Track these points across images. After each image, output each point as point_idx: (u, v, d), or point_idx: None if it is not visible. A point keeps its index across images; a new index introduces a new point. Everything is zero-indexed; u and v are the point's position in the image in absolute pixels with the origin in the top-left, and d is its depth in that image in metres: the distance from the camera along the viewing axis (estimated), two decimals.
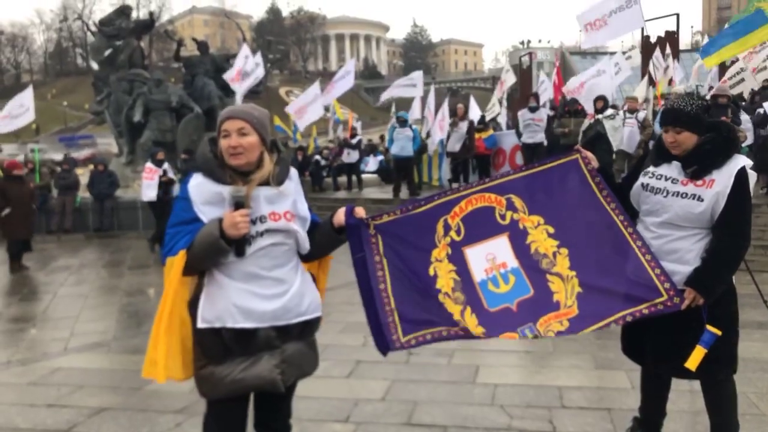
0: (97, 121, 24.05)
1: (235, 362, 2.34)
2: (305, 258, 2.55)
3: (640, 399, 3.30)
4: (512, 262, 2.84)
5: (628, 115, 11.32)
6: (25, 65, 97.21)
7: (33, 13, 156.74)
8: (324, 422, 3.88)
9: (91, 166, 16.86)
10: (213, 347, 2.34)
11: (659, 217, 2.87)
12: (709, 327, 2.74)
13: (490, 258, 2.84)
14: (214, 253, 2.28)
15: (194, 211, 2.34)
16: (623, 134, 11.07)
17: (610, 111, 11.06)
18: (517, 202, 2.93)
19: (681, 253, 2.82)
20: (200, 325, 2.34)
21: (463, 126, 13.23)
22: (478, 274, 2.81)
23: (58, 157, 30.97)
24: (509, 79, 19.01)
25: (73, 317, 6.96)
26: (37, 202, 10.82)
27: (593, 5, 11.92)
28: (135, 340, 5.90)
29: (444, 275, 2.77)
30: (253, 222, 2.32)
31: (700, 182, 2.79)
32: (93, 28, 20.66)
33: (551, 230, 2.90)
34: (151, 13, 24.71)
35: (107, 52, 18.64)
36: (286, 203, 2.43)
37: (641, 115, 11.44)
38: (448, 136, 13.64)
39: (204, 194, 2.35)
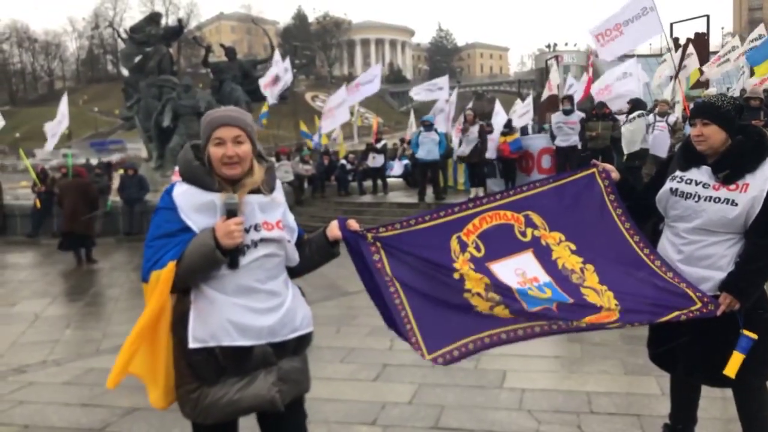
0: (127, 127, 24.45)
1: (230, 383, 2.20)
2: (293, 273, 2.46)
3: (670, 406, 3.26)
4: (544, 277, 2.73)
5: (658, 118, 11.18)
6: (58, 72, 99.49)
7: (66, 21, 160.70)
8: (351, 425, 3.90)
9: (122, 171, 17.17)
10: (206, 368, 2.19)
11: (691, 222, 2.82)
12: (745, 332, 2.69)
13: (520, 273, 2.71)
14: (208, 264, 2.14)
15: (182, 220, 2.19)
16: (649, 137, 10.93)
17: (633, 114, 10.96)
18: (536, 218, 2.85)
19: (714, 259, 2.77)
20: (192, 345, 2.17)
21: (474, 130, 13.21)
22: (512, 285, 2.64)
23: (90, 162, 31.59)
24: (555, 78, 18.96)
25: (105, 319, 7.10)
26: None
27: (605, 18, 11.81)
28: None
29: (473, 279, 2.58)
30: (247, 231, 2.21)
31: (732, 186, 2.74)
32: (123, 35, 21.10)
33: (573, 247, 2.83)
34: (179, 20, 25.13)
35: (137, 59, 19.01)
36: (278, 212, 2.33)
37: (672, 118, 11.29)
38: (460, 142, 13.65)
39: (192, 203, 2.21)
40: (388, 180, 17.21)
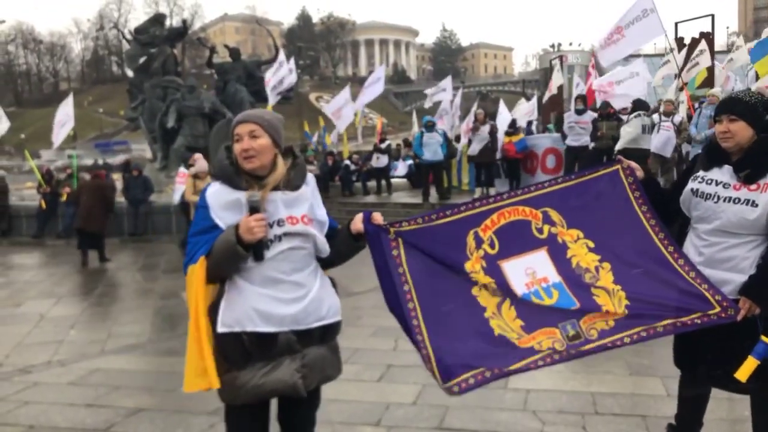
0: (132, 128, 24.49)
1: (256, 367, 2.35)
2: (325, 264, 2.57)
3: (676, 407, 3.22)
4: (554, 277, 2.71)
5: (663, 118, 11.16)
6: (63, 73, 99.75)
7: (71, 22, 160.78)
8: (355, 425, 3.90)
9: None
10: (234, 352, 2.35)
11: (711, 224, 2.74)
12: (763, 337, 2.61)
13: (530, 272, 2.69)
14: (232, 258, 2.29)
15: (212, 218, 2.36)
16: (654, 137, 10.90)
17: (632, 115, 10.96)
18: (554, 215, 2.81)
19: (735, 261, 2.69)
20: (220, 329, 2.34)
21: (485, 130, 13.21)
22: (518, 288, 2.66)
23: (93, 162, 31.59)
24: (557, 79, 18.90)
25: (110, 319, 7.12)
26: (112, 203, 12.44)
27: (611, 25, 11.76)
28: (169, 343, 6.01)
29: (482, 280, 2.63)
30: (271, 225, 2.34)
31: (753, 186, 2.65)
32: (128, 36, 21.14)
33: (591, 245, 2.78)
34: (184, 21, 25.05)
35: (142, 60, 18.99)
36: (303, 207, 2.44)
37: (677, 118, 11.27)
38: (470, 141, 13.66)
39: (221, 201, 2.38)
40: (392, 180, 17.22)
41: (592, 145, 11.98)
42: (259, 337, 2.33)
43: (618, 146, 10.63)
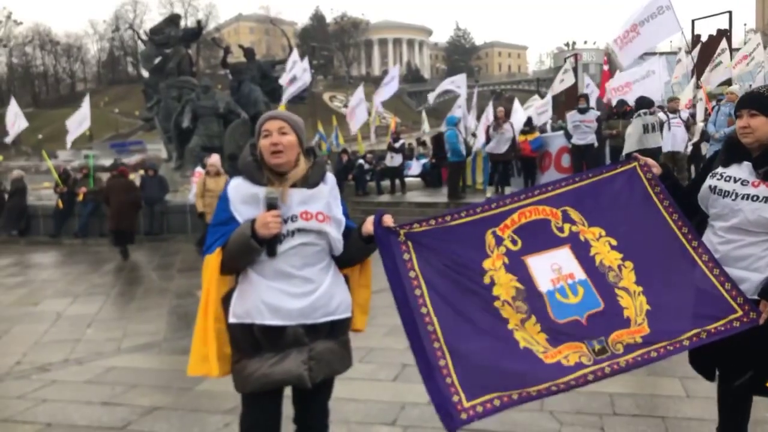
0: (147, 128, 24.63)
1: (265, 357, 2.41)
2: (340, 264, 2.60)
3: (718, 419, 3.00)
4: (580, 274, 2.64)
5: (671, 115, 11.08)
6: (80, 74, 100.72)
7: (87, 24, 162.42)
8: (372, 425, 3.88)
9: (142, 171, 17.31)
10: (244, 342, 2.43)
11: (727, 221, 2.68)
12: None
13: (556, 268, 2.63)
14: (246, 252, 2.36)
15: (231, 210, 2.44)
16: (666, 135, 10.82)
17: (634, 115, 10.88)
18: (574, 214, 2.76)
19: (751, 260, 2.63)
20: (231, 320, 2.43)
21: (509, 128, 13.14)
22: (543, 284, 2.58)
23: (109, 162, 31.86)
24: (568, 79, 18.78)
25: (126, 318, 7.16)
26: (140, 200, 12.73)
27: (624, 22, 11.61)
28: (185, 342, 6.01)
29: (503, 283, 2.55)
30: (285, 221, 2.40)
31: None
32: (143, 37, 21.25)
33: (614, 242, 2.73)
34: (198, 21, 25.20)
35: (157, 60, 19.12)
36: (319, 204, 2.49)
37: (684, 114, 11.21)
38: (489, 139, 13.60)
39: (241, 195, 2.45)
40: (406, 179, 17.20)
41: (597, 143, 11.93)
42: (268, 330, 2.39)
43: (625, 150, 10.51)
